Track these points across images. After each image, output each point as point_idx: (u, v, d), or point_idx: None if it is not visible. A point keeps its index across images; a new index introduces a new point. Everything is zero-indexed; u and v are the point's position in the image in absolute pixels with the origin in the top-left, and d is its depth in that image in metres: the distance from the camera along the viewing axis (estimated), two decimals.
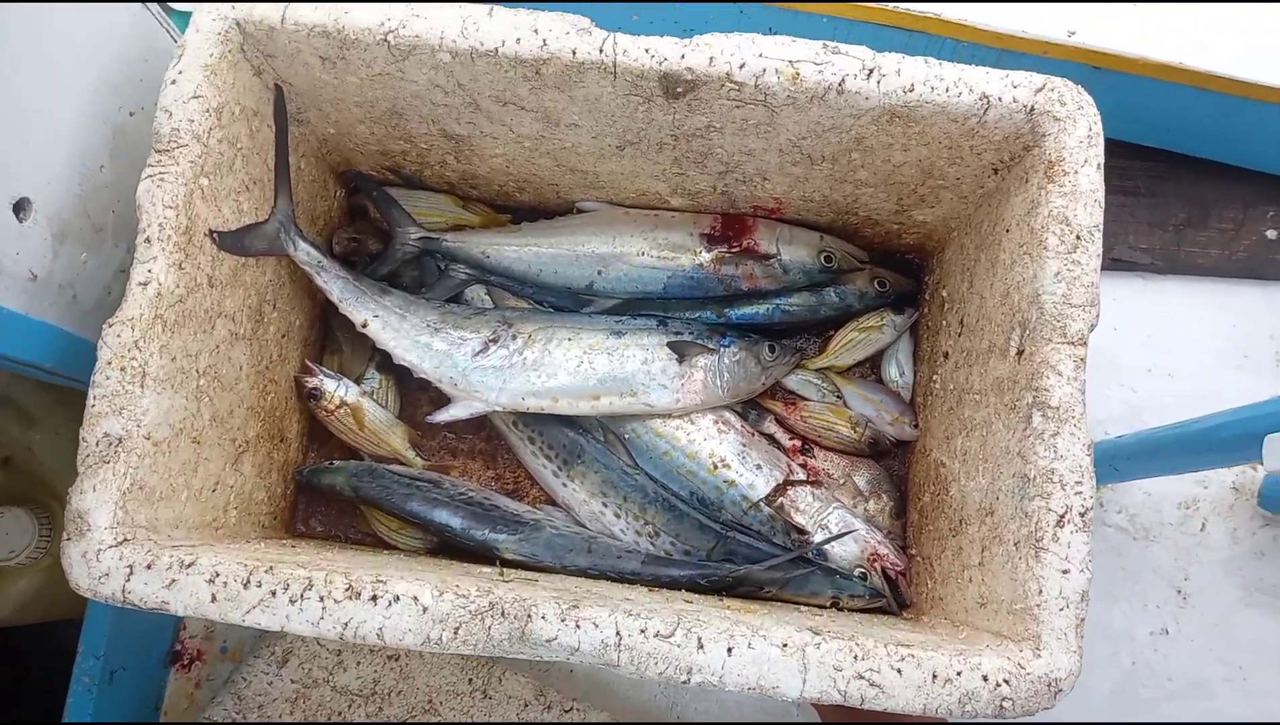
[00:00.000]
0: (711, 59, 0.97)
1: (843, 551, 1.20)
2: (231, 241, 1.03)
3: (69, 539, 0.85)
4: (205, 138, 0.97)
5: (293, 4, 1.00)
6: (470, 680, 1.20)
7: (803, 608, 1.13)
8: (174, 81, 0.97)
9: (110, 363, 0.89)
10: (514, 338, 1.21)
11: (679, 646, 0.83)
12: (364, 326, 1.19)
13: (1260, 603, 1.37)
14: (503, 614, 0.84)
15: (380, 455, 1.26)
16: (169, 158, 0.95)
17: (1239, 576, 1.38)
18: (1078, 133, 0.94)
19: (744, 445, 1.25)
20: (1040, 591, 0.85)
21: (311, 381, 1.22)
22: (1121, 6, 1.35)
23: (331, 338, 1.31)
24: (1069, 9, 1.34)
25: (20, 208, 0.94)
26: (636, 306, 1.30)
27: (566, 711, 1.19)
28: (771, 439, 1.31)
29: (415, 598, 0.84)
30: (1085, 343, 0.90)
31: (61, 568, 1.27)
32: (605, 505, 1.21)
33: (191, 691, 1.28)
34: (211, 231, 0.99)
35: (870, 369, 1.36)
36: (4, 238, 0.92)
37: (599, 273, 1.28)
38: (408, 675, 1.19)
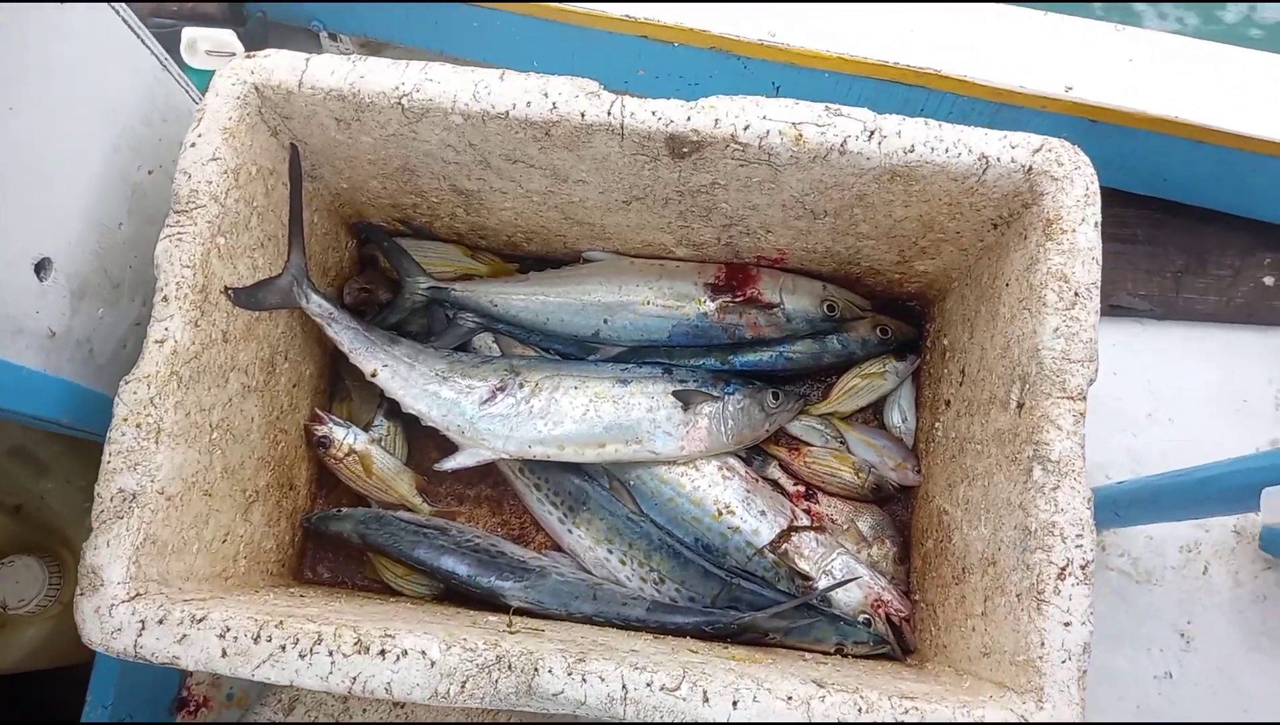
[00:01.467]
0: (716, 121, 1.00)
1: (846, 598, 1.20)
2: (246, 297, 1.05)
3: (82, 594, 0.87)
4: (223, 198, 1.00)
5: (309, 69, 1.03)
6: None
7: (807, 655, 1.14)
8: (193, 144, 1.00)
9: (126, 419, 0.91)
10: (521, 386, 1.23)
11: (684, 700, 0.84)
12: (373, 376, 1.21)
13: (1263, 647, 1.37)
14: (509, 667, 0.85)
15: (388, 502, 1.28)
16: (187, 218, 0.98)
17: (1241, 620, 1.38)
18: (1075, 192, 0.97)
19: (748, 491, 1.26)
20: (1042, 643, 0.86)
21: (321, 430, 1.23)
22: (1117, 64, 1.39)
23: (341, 385, 1.33)
24: (1065, 67, 1.37)
25: (41, 268, 0.96)
26: (642, 354, 1.32)
27: None
28: (775, 484, 1.32)
29: (423, 651, 0.85)
30: (1084, 397, 0.92)
31: (71, 615, 1.29)
32: (610, 552, 1.22)
33: None
34: (227, 288, 1.02)
35: (873, 415, 1.37)
36: (26, 297, 0.94)
37: (605, 321, 1.30)
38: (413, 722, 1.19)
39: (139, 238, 1.13)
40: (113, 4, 1.06)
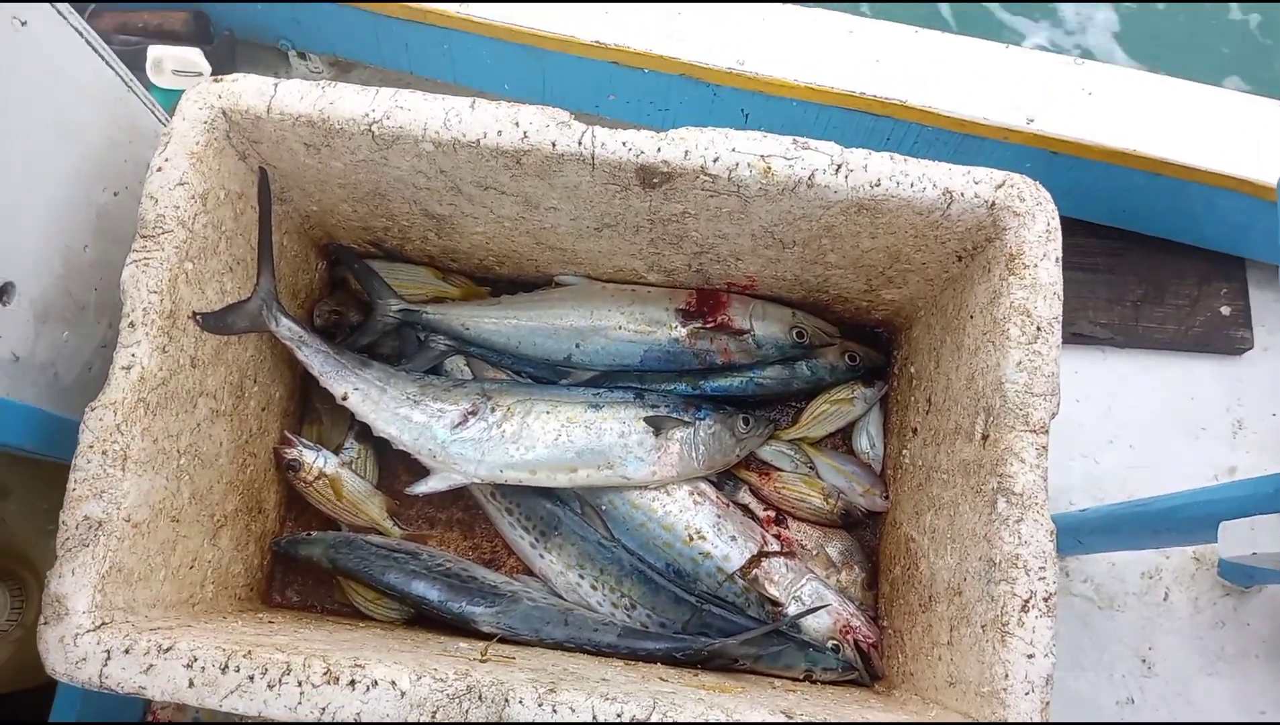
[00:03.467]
0: (686, 152, 1.01)
1: (815, 624, 1.21)
2: (215, 322, 1.05)
3: (46, 623, 0.86)
4: (190, 223, 0.99)
5: (278, 94, 1.03)
6: None
7: (776, 682, 1.14)
8: (160, 169, 1.00)
9: (92, 447, 0.90)
10: (493, 410, 1.23)
11: None
12: (344, 399, 1.20)
13: (1221, 671, 1.40)
14: (480, 698, 0.85)
15: (358, 525, 1.27)
16: (154, 243, 0.97)
17: (1201, 645, 1.41)
18: (1037, 227, 0.99)
19: (719, 517, 1.27)
20: (1006, 675, 0.87)
21: (291, 453, 1.23)
22: (1076, 96, 1.42)
23: (311, 408, 1.32)
24: (1027, 99, 1.41)
25: (4, 292, 0.95)
26: (614, 378, 1.32)
27: None
28: (745, 509, 1.33)
29: (393, 682, 0.84)
30: (1047, 431, 0.94)
31: (34, 638, 1.26)
32: (582, 577, 1.22)
33: None
34: (195, 314, 1.01)
35: (842, 441, 1.39)
36: None
37: (577, 346, 1.31)
38: None
39: (104, 260, 1.12)
40: (79, 32, 1.05)
